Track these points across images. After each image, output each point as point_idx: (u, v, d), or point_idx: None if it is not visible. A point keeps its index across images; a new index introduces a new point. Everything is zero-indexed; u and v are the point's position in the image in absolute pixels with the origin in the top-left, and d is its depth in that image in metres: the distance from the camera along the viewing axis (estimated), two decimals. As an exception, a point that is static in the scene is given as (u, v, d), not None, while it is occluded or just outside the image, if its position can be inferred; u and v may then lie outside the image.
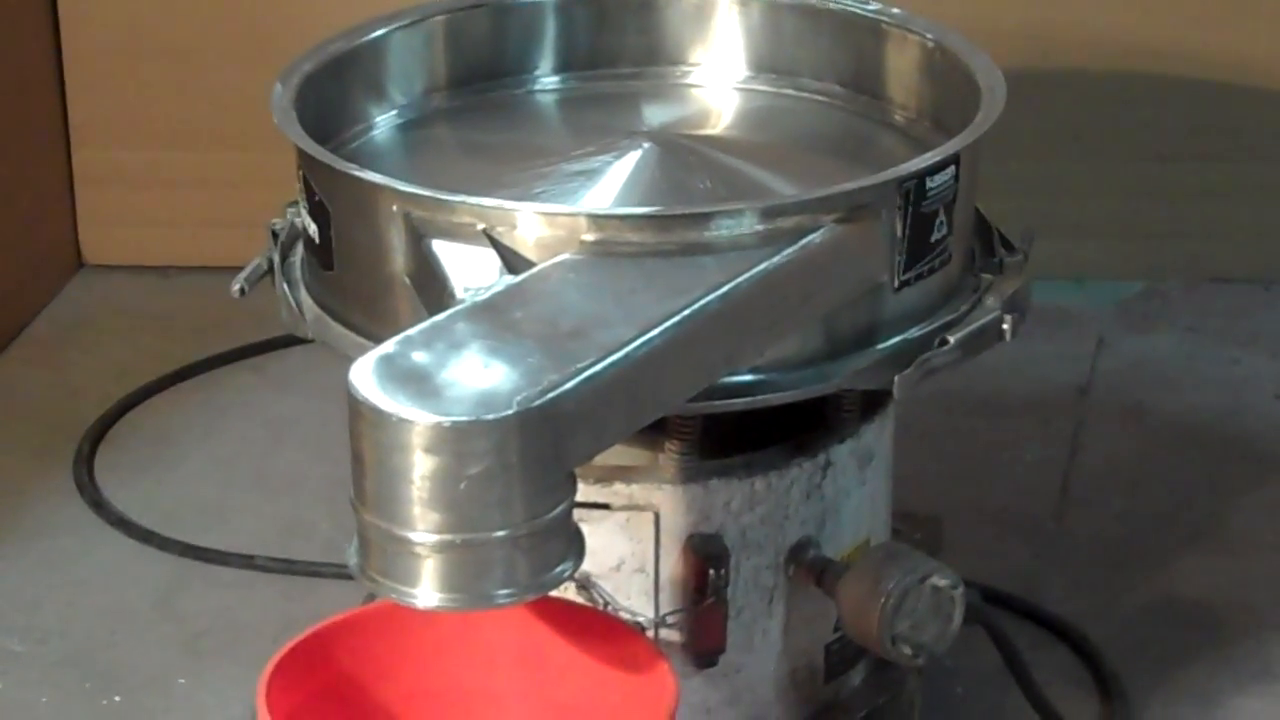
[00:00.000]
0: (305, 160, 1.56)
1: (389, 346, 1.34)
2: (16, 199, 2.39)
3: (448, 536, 1.29)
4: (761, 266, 1.44)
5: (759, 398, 1.49)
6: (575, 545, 1.35)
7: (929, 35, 1.72)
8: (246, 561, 2.00)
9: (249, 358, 2.32)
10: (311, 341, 1.61)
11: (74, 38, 2.42)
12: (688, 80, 1.82)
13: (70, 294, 2.46)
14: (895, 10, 1.76)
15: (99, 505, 2.08)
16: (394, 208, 1.49)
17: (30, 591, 1.96)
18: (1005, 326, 1.57)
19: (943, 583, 1.57)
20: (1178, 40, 2.33)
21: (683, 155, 1.65)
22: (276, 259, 1.65)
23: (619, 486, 1.55)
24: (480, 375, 1.31)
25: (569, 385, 1.31)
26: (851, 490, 1.62)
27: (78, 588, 1.97)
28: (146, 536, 2.03)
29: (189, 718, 1.80)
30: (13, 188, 2.38)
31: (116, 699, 1.82)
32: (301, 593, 1.95)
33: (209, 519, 2.06)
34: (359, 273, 1.54)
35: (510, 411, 1.27)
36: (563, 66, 1.82)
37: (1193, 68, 2.34)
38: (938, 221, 1.53)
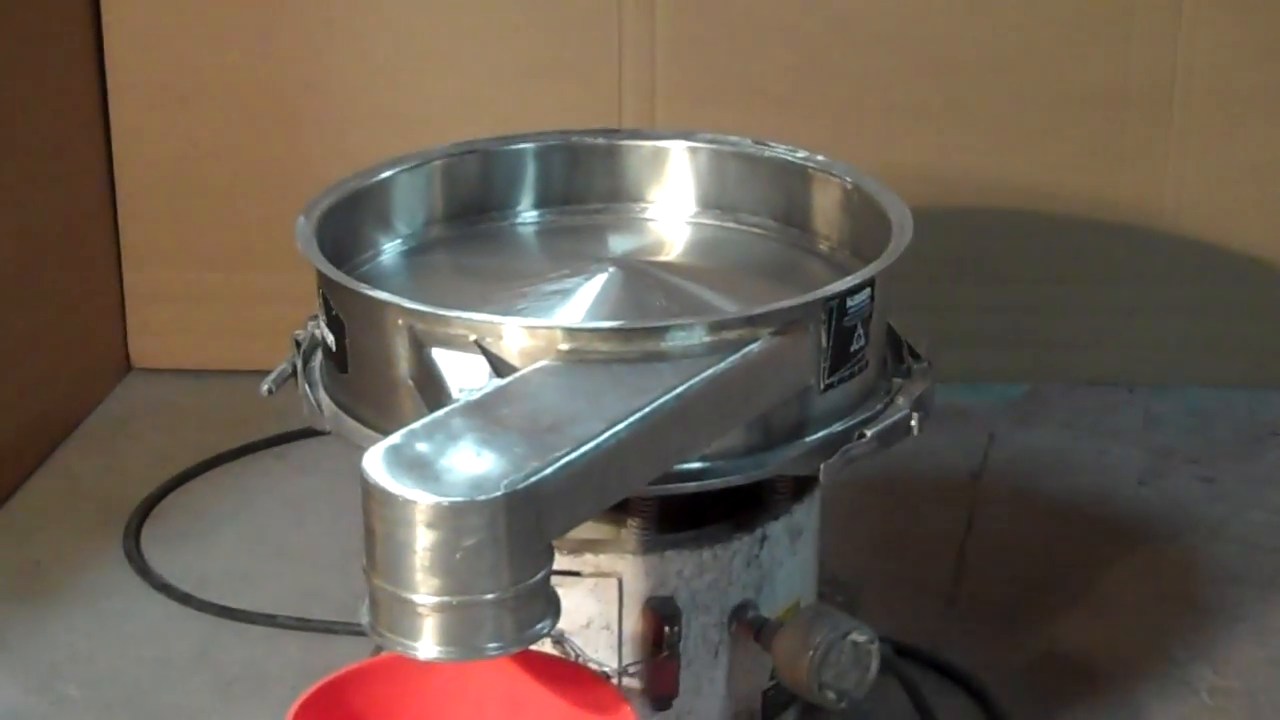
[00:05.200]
0: (324, 281, 1.57)
1: (396, 438, 1.34)
2: (76, 312, 2.39)
3: (445, 598, 1.29)
4: (709, 372, 1.45)
5: (707, 482, 1.50)
6: (553, 606, 1.35)
7: (848, 178, 1.73)
8: (270, 620, 1.98)
9: (273, 447, 2.31)
10: (328, 433, 1.61)
11: (126, 174, 2.42)
12: (646, 215, 1.82)
13: (120, 393, 2.46)
14: (819, 157, 1.77)
15: (145, 572, 2.07)
16: (399, 321, 1.50)
17: (86, 645, 1.94)
18: (913, 423, 1.57)
19: (861, 638, 1.57)
20: (1056, 183, 2.34)
21: (642, 278, 1.66)
22: (299, 364, 1.65)
23: (588, 556, 1.55)
24: (473, 463, 1.31)
25: (548, 471, 1.31)
26: (784, 560, 1.62)
27: (126, 642, 1.96)
28: (185, 599, 2.02)
29: (222, 753, 1.80)
30: (73, 302, 2.38)
31: (159, 737, 1.82)
32: (318, 647, 1.93)
33: (238, 584, 2.05)
34: (369, 376, 1.55)
35: (499, 493, 1.28)
36: (541, 203, 1.82)
37: (1070, 206, 2.35)
38: (857, 334, 1.54)
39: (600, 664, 1.56)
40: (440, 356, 1.48)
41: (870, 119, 2.32)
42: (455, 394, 1.45)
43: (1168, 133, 2.32)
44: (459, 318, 1.47)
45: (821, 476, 1.53)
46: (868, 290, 1.54)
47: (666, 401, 1.41)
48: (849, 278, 1.54)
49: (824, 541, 1.68)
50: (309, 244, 1.59)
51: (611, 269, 1.66)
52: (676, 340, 1.46)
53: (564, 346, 1.45)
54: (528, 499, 1.29)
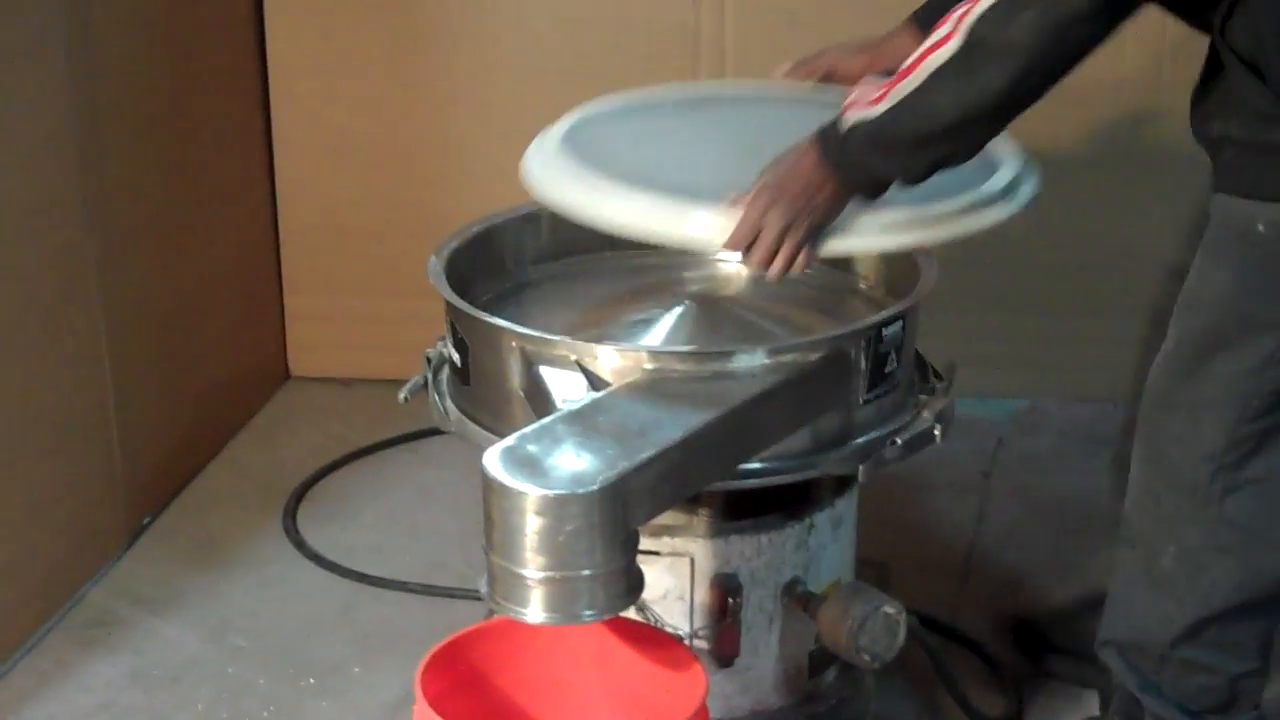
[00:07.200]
0: (451, 309, 1.58)
1: (510, 440, 1.35)
2: (244, 330, 2.41)
3: (550, 573, 1.30)
4: (768, 388, 1.45)
5: (765, 479, 1.50)
6: (637, 580, 1.35)
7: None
8: (402, 586, 1.99)
9: (407, 443, 2.32)
10: (453, 434, 1.62)
11: (288, 217, 2.44)
12: (716, 258, 1.82)
13: (281, 397, 2.47)
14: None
15: (300, 545, 2.09)
16: (513, 344, 1.50)
17: (251, 604, 1.96)
18: (936, 432, 1.57)
19: (892, 610, 1.57)
20: (1055, 228, 2.33)
21: (712, 310, 1.65)
22: (430, 376, 1.66)
23: (666, 539, 1.56)
24: (573, 462, 1.32)
25: (635, 470, 1.32)
26: (828, 544, 1.62)
27: (284, 602, 1.97)
28: (332, 567, 2.04)
29: (363, 695, 1.80)
30: (241, 322, 2.40)
31: (311, 680, 1.83)
32: (442, 609, 1.94)
33: (376, 556, 2.06)
34: (488, 387, 1.55)
35: (595, 487, 1.29)
36: (628, 246, 1.82)
37: (1065, 249, 2.34)
38: (890, 359, 1.54)
39: (675, 628, 1.56)
40: (546, 373, 1.49)
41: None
42: (559, 404, 1.46)
43: (1150, 193, 2.31)
44: (562, 341, 1.49)
45: (860, 476, 1.53)
46: (900, 322, 1.54)
47: (733, 413, 1.41)
48: (884, 312, 1.54)
49: (861, 529, 1.68)
50: (439, 278, 1.60)
51: (687, 302, 1.66)
52: (742, 362, 1.46)
53: (648, 366, 1.46)
54: (618, 492, 1.30)
